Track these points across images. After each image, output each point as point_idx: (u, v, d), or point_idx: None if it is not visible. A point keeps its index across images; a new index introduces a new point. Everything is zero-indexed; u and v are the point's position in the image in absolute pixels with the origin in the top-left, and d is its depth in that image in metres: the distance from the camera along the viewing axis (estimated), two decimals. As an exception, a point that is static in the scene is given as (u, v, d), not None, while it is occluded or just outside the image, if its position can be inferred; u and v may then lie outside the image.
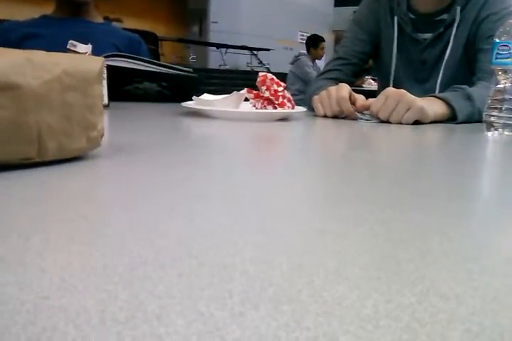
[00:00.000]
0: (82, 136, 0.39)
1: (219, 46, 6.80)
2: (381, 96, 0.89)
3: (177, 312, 0.16)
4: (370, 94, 1.01)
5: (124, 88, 1.10)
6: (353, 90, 0.96)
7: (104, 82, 0.86)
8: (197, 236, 0.23)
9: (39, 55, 0.36)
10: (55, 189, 0.31)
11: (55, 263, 0.19)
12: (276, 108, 0.85)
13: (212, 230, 0.24)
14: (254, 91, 0.86)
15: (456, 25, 1.13)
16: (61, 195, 0.30)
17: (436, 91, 1.16)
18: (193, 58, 6.94)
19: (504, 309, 0.17)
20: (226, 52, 6.93)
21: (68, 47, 0.87)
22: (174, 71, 1.13)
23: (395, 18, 1.20)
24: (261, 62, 7.11)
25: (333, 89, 0.94)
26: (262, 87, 0.84)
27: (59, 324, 0.15)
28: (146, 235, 0.23)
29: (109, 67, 0.88)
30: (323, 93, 0.96)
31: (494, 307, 0.17)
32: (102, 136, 0.42)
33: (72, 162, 0.39)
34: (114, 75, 0.90)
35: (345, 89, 0.93)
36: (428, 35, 1.17)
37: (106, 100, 0.88)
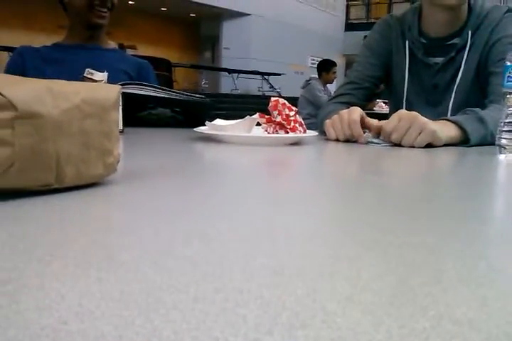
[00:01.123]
0: (99, 162, 0.40)
1: (231, 71, 6.92)
2: (394, 117, 0.90)
3: (192, 337, 0.16)
4: (380, 117, 1.01)
5: (138, 114, 1.13)
6: (365, 114, 0.96)
7: (119, 106, 0.88)
8: (212, 261, 0.23)
9: (59, 84, 0.37)
10: (73, 215, 0.32)
11: (74, 288, 0.20)
12: (288, 132, 0.86)
13: (227, 255, 0.25)
14: (266, 116, 0.87)
15: (467, 49, 1.14)
16: (79, 221, 0.30)
17: (448, 114, 1.17)
18: (205, 83, 7.06)
19: (519, 335, 0.17)
20: (238, 77, 7.04)
21: (85, 74, 0.89)
22: (187, 97, 1.15)
23: (407, 43, 1.21)
24: (272, 87, 7.20)
25: (344, 112, 0.95)
26: (274, 112, 0.86)
27: (78, 349, 0.15)
28: (162, 260, 0.23)
29: (124, 94, 0.90)
30: (335, 117, 0.97)
31: (508, 332, 0.17)
32: (118, 161, 0.43)
33: (89, 188, 0.40)
34: (128, 102, 0.93)
35: (356, 112, 0.94)
36: (439, 60, 1.18)
37: (121, 126, 0.90)
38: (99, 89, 0.41)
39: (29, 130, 0.33)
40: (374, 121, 0.95)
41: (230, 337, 0.16)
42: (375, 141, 0.93)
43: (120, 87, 0.45)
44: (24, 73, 1.37)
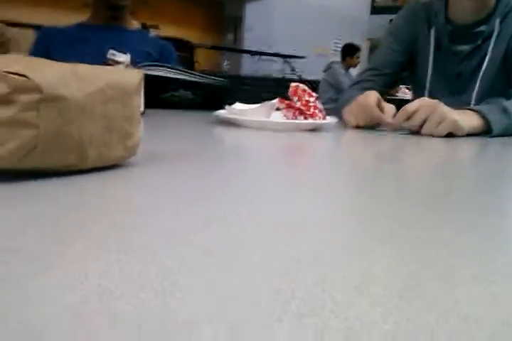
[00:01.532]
0: (120, 144, 0.40)
1: (252, 53, 6.86)
2: (415, 101, 0.89)
3: (206, 321, 0.17)
4: (403, 103, 1.00)
5: (160, 96, 1.13)
6: (387, 99, 0.95)
7: (142, 90, 0.89)
8: (228, 248, 0.24)
9: (83, 68, 0.38)
10: (94, 196, 0.33)
11: (95, 269, 0.20)
12: (307, 118, 0.85)
13: (242, 241, 0.25)
14: (286, 101, 0.87)
15: (494, 37, 1.11)
16: (100, 202, 0.31)
17: (472, 103, 1.15)
18: (227, 64, 7.02)
19: (524, 332, 0.17)
20: (259, 60, 6.98)
21: (108, 56, 0.90)
22: (208, 80, 1.15)
23: (432, 30, 1.19)
24: (293, 70, 7.13)
25: (360, 98, 0.95)
26: (294, 98, 0.85)
27: (100, 327, 0.16)
28: (179, 244, 0.24)
29: (146, 76, 0.91)
30: (352, 104, 0.96)
31: (514, 330, 0.17)
32: (139, 145, 0.44)
33: (110, 170, 0.41)
34: (151, 84, 0.93)
35: (371, 95, 0.93)
36: (465, 47, 1.16)
37: (142, 108, 0.91)
38: (123, 74, 0.41)
39: (54, 112, 0.34)
40: (389, 107, 0.95)
41: (242, 323, 0.17)
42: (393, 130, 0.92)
43: (143, 72, 0.46)
44: (49, 54, 1.38)
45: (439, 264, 0.24)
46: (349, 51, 4.63)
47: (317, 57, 7.76)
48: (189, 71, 1.14)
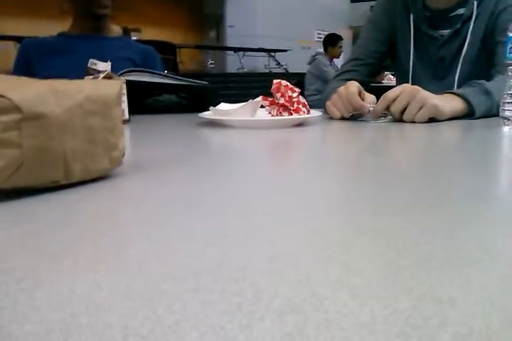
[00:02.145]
0: (105, 156, 0.41)
1: (236, 50, 6.85)
2: (396, 88, 0.90)
3: (191, 326, 0.17)
4: (389, 90, 1.01)
5: (144, 101, 1.14)
6: (373, 87, 0.96)
7: (124, 98, 0.89)
8: (212, 252, 0.25)
9: (61, 84, 0.38)
10: (81, 210, 0.34)
11: (84, 283, 0.21)
12: (291, 114, 0.86)
13: (227, 245, 0.26)
14: (270, 99, 0.88)
15: (473, 19, 1.12)
16: (87, 216, 0.32)
17: (455, 87, 1.16)
18: (211, 63, 7.00)
19: (495, 311, 0.18)
20: (244, 56, 6.97)
21: (89, 65, 0.90)
22: (191, 83, 1.16)
23: (411, 16, 1.20)
24: (279, 64, 7.12)
25: (342, 88, 0.95)
26: (277, 94, 0.86)
27: (87, 340, 0.17)
28: (165, 253, 0.25)
29: (129, 82, 0.91)
30: (334, 96, 0.97)
31: (486, 310, 0.18)
32: (123, 154, 0.44)
33: (96, 182, 0.41)
34: (134, 90, 0.94)
35: (353, 85, 0.94)
36: (445, 32, 1.16)
37: (126, 115, 0.91)
38: (102, 86, 0.42)
39: (35, 130, 0.35)
40: (370, 97, 0.96)
41: (225, 324, 0.18)
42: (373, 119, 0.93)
43: (122, 81, 0.46)
44: (30, 67, 1.39)
45: (416, 251, 0.25)
46: (330, 41, 4.64)
47: (301, 49, 7.76)
48: (171, 74, 1.15)
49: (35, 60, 1.42)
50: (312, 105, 0.95)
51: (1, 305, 0.19)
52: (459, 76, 1.16)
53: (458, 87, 1.14)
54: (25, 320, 0.18)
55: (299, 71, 5.20)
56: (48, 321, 0.18)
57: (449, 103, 0.91)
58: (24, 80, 0.41)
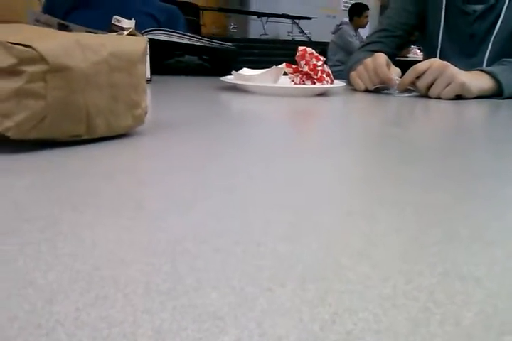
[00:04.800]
0: (128, 114, 0.41)
1: (260, 15, 6.70)
2: (426, 62, 0.87)
3: (212, 286, 0.17)
4: (414, 64, 0.98)
5: (165, 62, 1.12)
6: (398, 61, 0.94)
7: (147, 57, 0.88)
8: (233, 214, 0.25)
9: (87, 37, 0.38)
10: (104, 165, 0.34)
11: (105, 237, 0.21)
12: (314, 83, 0.85)
13: (248, 209, 0.26)
14: (293, 66, 0.86)
15: None
16: (109, 171, 0.32)
17: (484, 65, 1.12)
18: (233, 28, 6.87)
19: (520, 293, 0.18)
20: (267, 22, 6.82)
21: (113, 22, 0.88)
22: (214, 45, 1.13)
23: None
24: (302, 31, 6.97)
25: (369, 60, 0.93)
26: (301, 62, 0.84)
27: (109, 293, 0.17)
28: (186, 211, 0.25)
29: (151, 41, 0.90)
30: (360, 67, 0.95)
31: (511, 291, 0.18)
32: (146, 113, 0.44)
33: (118, 139, 0.41)
34: (156, 49, 0.92)
35: (381, 57, 0.92)
36: (478, 7, 1.12)
37: (148, 75, 0.90)
38: (127, 42, 0.41)
39: (60, 83, 0.34)
40: (396, 71, 0.93)
41: (246, 286, 0.17)
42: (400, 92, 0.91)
43: (147, 38, 0.45)
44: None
45: (439, 228, 0.24)
46: (356, 10, 4.50)
47: (326, 17, 7.55)
48: (195, 36, 1.12)
49: (59, 14, 1.40)
50: (334, 76, 0.93)
51: (25, 252, 0.19)
52: (489, 54, 1.12)
53: (487, 66, 1.11)
54: (48, 269, 0.18)
55: (322, 40, 5.09)
56: (70, 271, 0.18)
57: (477, 81, 0.88)
58: (49, 31, 0.41)
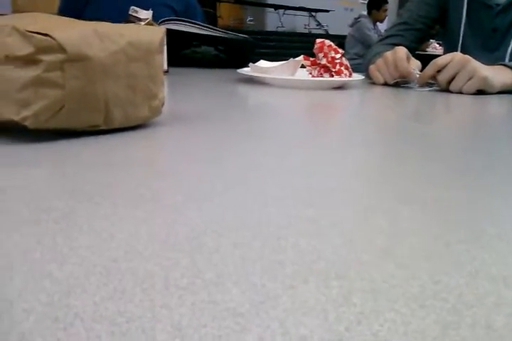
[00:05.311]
0: (145, 104, 0.40)
1: (276, 7, 6.65)
2: (447, 55, 0.86)
3: (232, 282, 0.17)
4: (434, 59, 0.96)
5: (182, 52, 1.12)
6: (417, 55, 0.92)
7: (164, 47, 0.87)
8: (252, 208, 0.24)
9: (105, 27, 0.37)
10: (121, 156, 0.33)
11: (122, 229, 0.21)
12: (332, 76, 0.83)
13: (267, 202, 0.25)
14: (311, 58, 0.85)
15: None
16: (127, 163, 0.32)
17: (506, 60, 1.10)
18: (250, 20, 6.83)
19: (553, 296, 0.17)
20: (284, 14, 6.77)
21: (130, 13, 0.88)
22: (231, 35, 1.12)
23: None
24: (319, 24, 6.91)
25: (388, 53, 0.91)
26: (319, 54, 0.83)
27: (127, 286, 0.16)
28: (204, 205, 0.24)
29: (168, 32, 0.89)
30: (379, 60, 0.93)
31: (543, 294, 0.17)
32: (163, 104, 0.43)
33: (136, 130, 0.41)
34: (173, 39, 0.91)
35: (401, 50, 0.90)
36: (501, 1, 1.09)
37: (165, 66, 0.90)
38: (144, 32, 0.40)
39: (78, 72, 0.34)
40: (417, 64, 0.91)
41: (267, 283, 0.17)
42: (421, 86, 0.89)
43: (164, 28, 0.45)
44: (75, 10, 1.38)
45: (465, 226, 0.23)
46: (375, 4, 4.43)
47: (344, 10, 7.46)
48: (211, 26, 1.11)
49: (78, 5, 1.40)
50: (352, 69, 0.92)
51: (42, 243, 0.19)
52: (512, 49, 1.10)
53: (510, 60, 1.08)
54: (64, 260, 0.18)
55: (340, 33, 5.03)
56: (87, 263, 0.18)
57: (499, 75, 0.86)
58: (67, 20, 0.40)
